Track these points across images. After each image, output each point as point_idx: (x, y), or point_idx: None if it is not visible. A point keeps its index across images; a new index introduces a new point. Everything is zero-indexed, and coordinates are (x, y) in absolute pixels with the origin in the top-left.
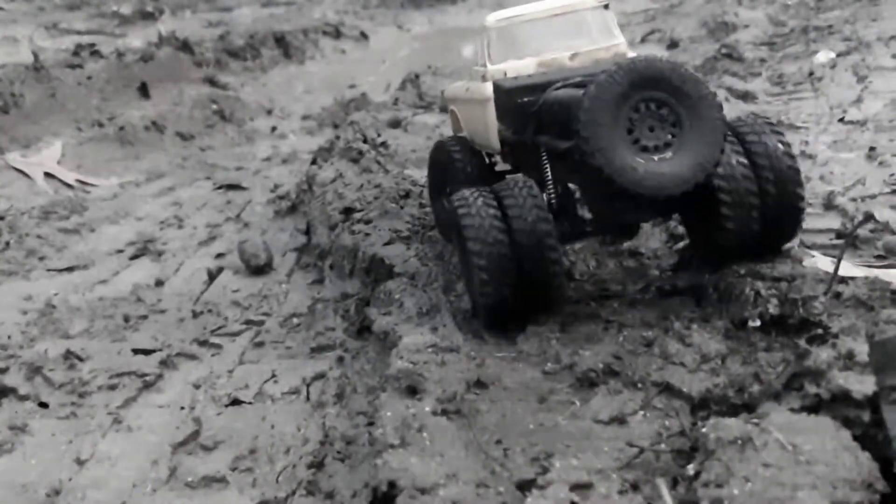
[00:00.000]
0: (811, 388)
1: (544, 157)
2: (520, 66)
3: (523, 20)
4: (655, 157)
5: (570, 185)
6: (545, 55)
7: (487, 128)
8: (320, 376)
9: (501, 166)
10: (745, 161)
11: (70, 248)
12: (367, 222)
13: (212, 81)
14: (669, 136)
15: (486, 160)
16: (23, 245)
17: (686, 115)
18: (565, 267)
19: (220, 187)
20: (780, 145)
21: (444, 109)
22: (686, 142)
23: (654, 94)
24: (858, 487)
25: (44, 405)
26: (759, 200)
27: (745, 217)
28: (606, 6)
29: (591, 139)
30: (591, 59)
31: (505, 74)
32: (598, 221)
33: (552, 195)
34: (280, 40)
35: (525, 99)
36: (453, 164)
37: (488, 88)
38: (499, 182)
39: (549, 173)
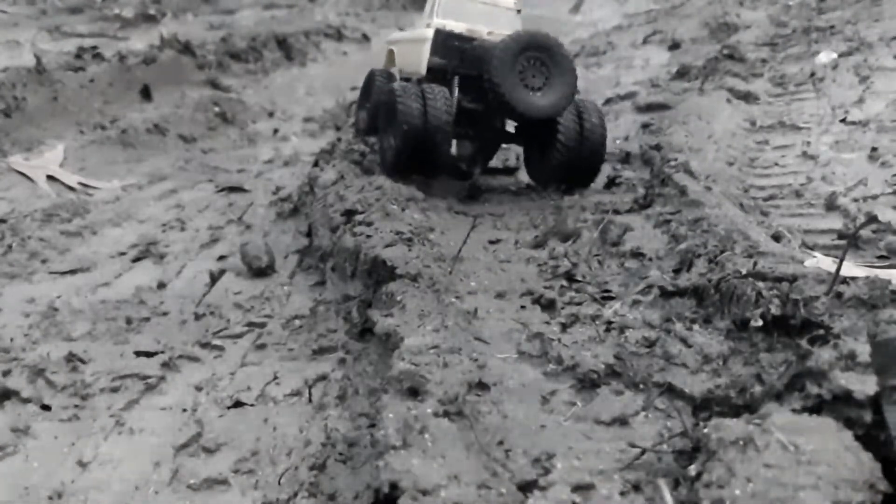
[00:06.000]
0: (813, 389)
1: (455, 82)
2: (455, 25)
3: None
4: (532, 94)
5: (467, 105)
6: (472, 25)
7: (421, 57)
8: (322, 378)
9: None
10: (576, 121)
11: (72, 250)
12: (369, 224)
13: (214, 84)
14: (543, 82)
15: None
16: (25, 248)
17: (554, 70)
18: (451, 145)
19: (221, 189)
20: (598, 118)
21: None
22: (552, 87)
23: (537, 54)
24: (860, 488)
25: (46, 408)
26: (579, 145)
27: (569, 151)
28: (518, 11)
29: (498, 76)
30: (500, 38)
31: (444, 26)
32: (480, 130)
33: (454, 107)
34: (282, 42)
35: (456, 43)
36: (376, 86)
37: (430, 32)
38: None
39: (457, 93)
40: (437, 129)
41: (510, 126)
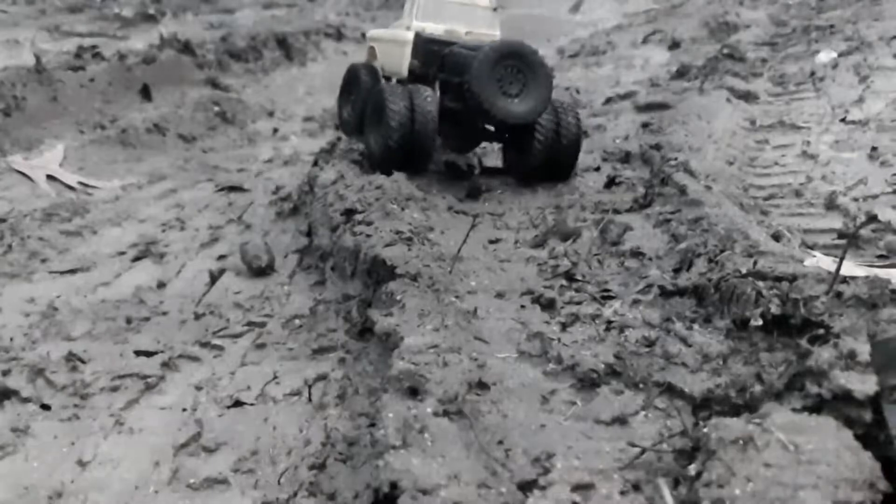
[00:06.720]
0: (813, 388)
1: (437, 85)
2: (433, 28)
3: (444, 1)
4: (510, 100)
5: (448, 105)
6: (451, 26)
7: (402, 60)
8: (322, 378)
9: None
10: (553, 121)
11: (72, 250)
12: (369, 223)
13: (213, 83)
14: (520, 89)
15: (382, 81)
16: (25, 247)
17: (531, 78)
18: (436, 142)
19: (221, 189)
20: (574, 119)
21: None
22: (529, 93)
23: (514, 62)
24: (860, 487)
25: (46, 407)
26: (555, 143)
27: (546, 149)
28: (495, 9)
29: (477, 84)
30: (478, 38)
31: (423, 30)
32: (461, 129)
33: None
34: (282, 42)
35: (435, 48)
36: (359, 80)
37: (410, 35)
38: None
39: (439, 94)
40: (424, 129)
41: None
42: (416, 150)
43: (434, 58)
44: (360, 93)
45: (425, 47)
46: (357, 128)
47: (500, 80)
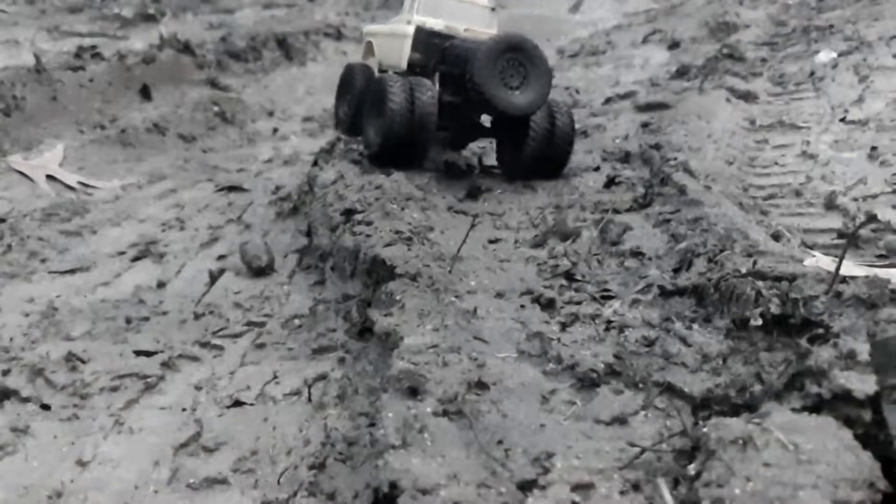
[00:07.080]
0: (812, 388)
1: (436, 77)
2: (433, 23)
3: None
4: (511, 92)
5: (447, 99)
6: (450, 22)
7: (402, 53)
8: (322, 377)
9: None
10: (548, 119)
11: (72, 250)
12: (369, 223)
13: (213, 83)
14: (520, 82)
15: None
16: (24, 247)
17: (531, 71)
18: (434, 133)
19: (221, 189)
20: (568, 118)
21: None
22: (529, 86)
23: (516, 55)
24: (860, 487)
25: (46, 407)
26: (549, 141)
27: (539, 147)
28: (493, 9)
29: (479, 75)
30: (476, 35)
31: (424, 24)
32: (458, 123)
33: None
34: (281, 42)
35: (436, 40)
36: (354, 79)
37: (411, 28)
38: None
39: (437, 87)
40: (424, 119)
41: (486, 121)
42: (416, 139)
43: (434, 51)
44: (356, 91)
45: (426, 40)
46: (353, 126)
47: (502, 73)
